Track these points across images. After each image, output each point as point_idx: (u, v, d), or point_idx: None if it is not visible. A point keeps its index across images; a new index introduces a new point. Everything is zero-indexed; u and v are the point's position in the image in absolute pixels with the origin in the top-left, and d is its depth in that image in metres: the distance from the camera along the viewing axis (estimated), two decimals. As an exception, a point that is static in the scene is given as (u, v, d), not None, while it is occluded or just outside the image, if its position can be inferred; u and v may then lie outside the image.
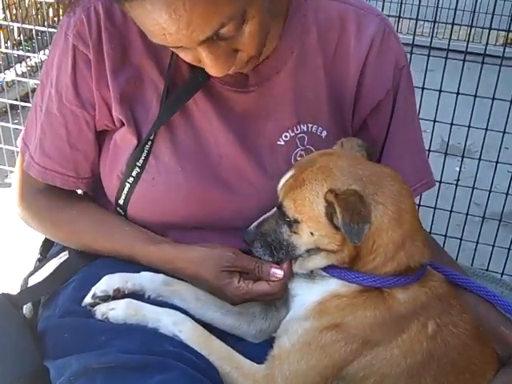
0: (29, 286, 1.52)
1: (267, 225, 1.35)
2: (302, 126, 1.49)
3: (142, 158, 1.42)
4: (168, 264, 1.41)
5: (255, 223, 1.37)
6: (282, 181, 1.36)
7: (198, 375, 1.19)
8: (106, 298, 1.35)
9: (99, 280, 1.37)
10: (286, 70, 1.46)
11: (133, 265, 1.44)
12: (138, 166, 1.43)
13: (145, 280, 1.39)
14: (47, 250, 1.67)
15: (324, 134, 1.51)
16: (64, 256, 1.55)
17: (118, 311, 1.32)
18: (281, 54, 1.45)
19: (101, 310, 1.33)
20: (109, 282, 1.37)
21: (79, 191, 1.62)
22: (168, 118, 1.42)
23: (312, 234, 1.29)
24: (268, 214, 1.37)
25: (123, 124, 1.44)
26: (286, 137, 1.48)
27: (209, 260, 1.37)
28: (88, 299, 1.36)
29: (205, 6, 1.09)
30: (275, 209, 1.36)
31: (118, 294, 1.36)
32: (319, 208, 1.27)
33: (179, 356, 1.22)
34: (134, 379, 1.17)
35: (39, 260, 1.65)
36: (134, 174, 1.43)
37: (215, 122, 1.44)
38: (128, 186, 1.44)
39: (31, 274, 1.57)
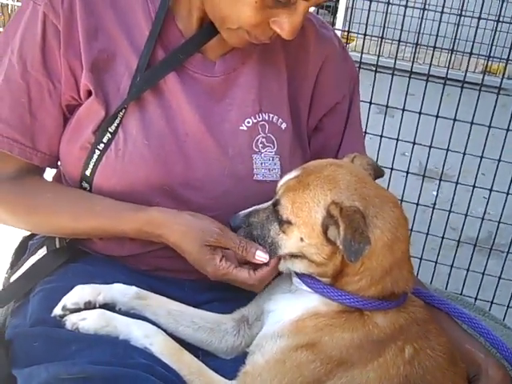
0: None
1: (257, 217, 1.34)
2: (263, 114, 1.53)
3: (115, 124, 1.41)
4: (156, 229, 1.38)
5: (246, 211, 1.35)
6: (285, 178, 1.34)
7: None
8: (76, 311, 1.32)
9: (70, 289, 1.34)
10: (250, 63, 1.52)
11: (103, 272, 1.42)
12: (110, 132, 1.41)
13: (117, 293, 1.36)
14: (19, 258, 1.62)
15: (284, 126, 1.55)
16: (39, 255, 1.52)
17: (89, 322, 1.29)
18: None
19: (71, 320, 1.30)
20: (80, 294, 1.34)
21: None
22: (141, 93, 1.42)
23: (302, 239, 1.28)
24: (261, 205, 1.36)
25: (89, 95, 1.42)
26: (248, 123, 1.51)
27: (193, 231, 1.35)
28: (58, 310, 1.32)
29: None
30: (270, 203, 1.35)
31: (89, 307, 1.33)
32: (317, 216, 1.26)
33: (150, 369, 1.20)
34: None
35: (11, 266, 1.62)
36: (104, 140, 1.41)
37: (183, 102, 1.46)
38: (98, 152, 1.41)
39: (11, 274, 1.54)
